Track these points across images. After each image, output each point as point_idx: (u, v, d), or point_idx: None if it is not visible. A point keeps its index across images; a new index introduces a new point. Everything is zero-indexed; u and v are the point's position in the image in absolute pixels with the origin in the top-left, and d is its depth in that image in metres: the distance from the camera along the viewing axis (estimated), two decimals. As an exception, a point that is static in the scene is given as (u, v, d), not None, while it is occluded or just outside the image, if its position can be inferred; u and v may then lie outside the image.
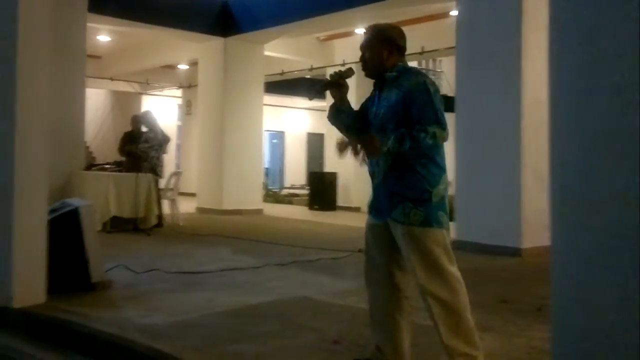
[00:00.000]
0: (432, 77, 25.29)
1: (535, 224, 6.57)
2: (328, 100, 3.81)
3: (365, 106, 3.06)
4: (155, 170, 9.05)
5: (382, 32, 3.00)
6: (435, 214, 2.82)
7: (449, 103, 13.09)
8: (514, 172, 6.92)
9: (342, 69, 3.03)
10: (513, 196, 6.90)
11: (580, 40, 1.49)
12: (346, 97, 3.03)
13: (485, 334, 3.73)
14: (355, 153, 2.92)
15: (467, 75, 7.49)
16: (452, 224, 7.99)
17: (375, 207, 3.00)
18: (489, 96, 7.19)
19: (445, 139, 2.82)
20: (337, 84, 2.99)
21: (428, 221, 2.80)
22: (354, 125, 3.02)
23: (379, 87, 3.00)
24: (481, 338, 3.63)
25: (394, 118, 2.83)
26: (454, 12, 8.50)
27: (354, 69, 3.06)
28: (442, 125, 2.78)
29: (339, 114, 3.03)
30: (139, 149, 8.92)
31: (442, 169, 2.89)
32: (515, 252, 6.76)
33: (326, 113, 3.16)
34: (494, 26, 7.22)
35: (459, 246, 7.26)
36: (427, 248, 2.81)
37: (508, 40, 7.05)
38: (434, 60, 24.00)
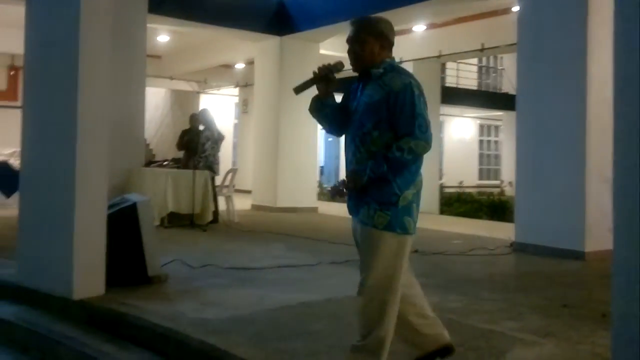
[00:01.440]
0: (493, 75, 24.42)
1: (599, 227, 6.32)
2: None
3: (346, 99, 2.97)
4: (212, 167, 9.18)
5: (374, 26, 2.90)
6: (401, 219, 2.76)
7: (510, 102, 12.84)
8: (578, 174, 6.69)
9: (332, 62, 2.91)
10: (577, 198, 6.67)
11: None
12: (332, 92, 2.94)
13: (545, 339, 3.61)
14: (343, 194, 2.93)
15: (529, 73, 7.27)
16: (512, 225, 7.84)
17: (349, 206, 2.94)
18: (553, 95, 6.96)
19: (426, 148, 2.77)
20: (326, 78, 2.89)
21: (391, 226, 2.74)
22: (335, 121, 2.96)
23: (363, 81, 2.90)
24: (541, 344, 3.53)
25: (373, 117, 2.76)
26: (516, 8, 8.27)
27: (343, 63, 2.95)
28: (421, 136, 2.72)
29: (323, 108, 2.94)
30: (200, 144, 9.07)
31: (415, 174, 2.84)
32: (578, 256, 6.54)
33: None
34: (557, 22, 6.98)
35: (520, 248, 7.09)
36: (380, 253, 2.75)
37: (573, 37, 6.80)
38: (495, 57, 23.60)
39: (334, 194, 3.21)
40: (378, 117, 2.75)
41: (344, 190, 2.92)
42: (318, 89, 2.92)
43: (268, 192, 11.52)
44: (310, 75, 2.92)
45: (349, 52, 2.91)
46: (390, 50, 2.92)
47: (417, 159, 2.80)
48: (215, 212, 9.13)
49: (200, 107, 15.70)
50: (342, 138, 3.00)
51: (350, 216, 2.97)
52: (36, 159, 4.69)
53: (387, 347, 2.78)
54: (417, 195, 2.88)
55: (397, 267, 2.78)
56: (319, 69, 2.88)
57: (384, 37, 2.88)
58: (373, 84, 2.81)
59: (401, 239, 2.78)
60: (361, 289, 2.79)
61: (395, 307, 2.81)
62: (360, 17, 2.96)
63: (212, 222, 8.91)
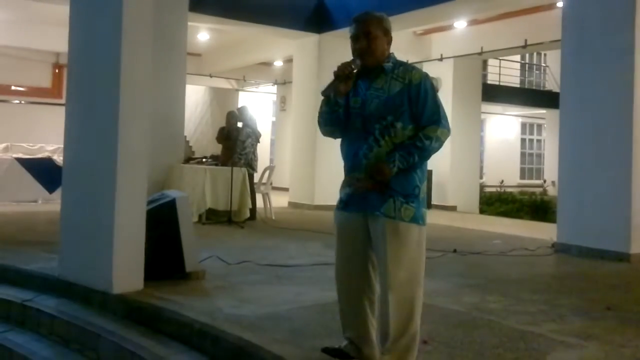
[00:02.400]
0: (536, 72, 23.99)
1: (646, 228, 6.16)
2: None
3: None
4: (252, 164, 9.25)
5: (382, 22, 2.93)
6: (422, 211, 2.85)
7: (553, 99, 12.50)
8: (624, 173, 6.53)
9: (348, 60, 2.88)
10: (622, 198, 6.51)
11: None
12: (348, 91, 2.91)
13: (587, 342, 3.53)
14: (367, 186, 2.83)
15: (574, 70, 7.10)
16: (554, 226, 7.69)
17: (355, 201, 2.91)
18: (598, 92, 6.79)
19: (447, 136, 2.83)
20: (348, 77, 2.85)
21: (416, 218, 2.81)
22: (342, 121, 2.96)
23: (367, 76, 2.90)
24: (583, 346, 3.43)
25: (394, 109, 2.79)
26: (560, 3, 8.09)
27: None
28: (446, 124, 2.82)
29: (338, 108, 2.92)
30: (239, 141, 9.14)
31: (426, 166, 2.93)
32: (623, 257, 6.39)
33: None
34: (603, 17, 6.80)
35: (562, 249, 6.93)
36: (408, 245, 2.79)
37: (619, 33, 6.63)
38: (538, 54, 23.14)
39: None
40: (400, 109, 2.79)
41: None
42: (338, 89, 2.87)
43: (305, 189, 11.54)
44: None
45: (357, 49, 2.89)
46: (390, 47, 2.98)
47: (440, 148, 2.86)
48: (253, 209, 9.18)
49: (239, 105, 15.85)
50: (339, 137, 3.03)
51: (349, 212, 2.94)
52: (78, 156, 4.78)
53: (418, 342, 2.85)
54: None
55: (423, 259, 2.87)
56: (340, 67, 2.86)
57: (389, 34, 2.96)
58: (385, 78, 2.86)
59: (423, 230, 2.86)
60: (391, 286, 2.78)
61: (422, 300, 2.87)
62: (365, 13, 2.94)
63: (249, 219, 8.97)
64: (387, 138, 2.80)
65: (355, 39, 2.91)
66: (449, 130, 2.83)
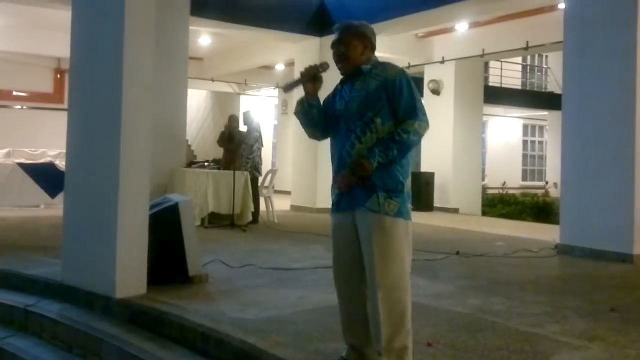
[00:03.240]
0: (538, 74, 23.93)
1: (649, 229, 6.14)
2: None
3: (327, 102, 3.09)
4: (258, 168, 9.28)
5: (357, 29, 3.03)
6: (406, 206, 2.87)
7: (555, 101, 12.47)
8: (627, 174, 6.51)
9: (318, 62, 3.05)
10: (625, 199, 6.49)
11: None
12: (318, 92, 3.06)
13: (592, 343, 3.51)
14: (349, 187, 2.89)
15: (576, 72, 7.09)
16: (557, 228, 7.68)
17: (344, 200, 2.95)
18: (600, 94, 6.78)
19: (427, 130, 2.89)
20: (314, 77, 3.02)
21: (401, 212, 2.84)
22: (321, 122, 3.08)
23: (350, 80, 3.01)
24: (587, 348, 3.42)
25: (373, 106, 2.87)
26: (562, 5, 8.08)
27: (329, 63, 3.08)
28: (423, 118, 2.86)
29: (311, 110, 3.06)
30: (247, 145, 9.16)
31: (410, 164, 2.96)
32: (626, 259, 6.37)
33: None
34: (605, 19, 6.79)
35: (565, 251, 6.92)
36: (394, 241, 2.81)
37: (621, 34, 6.62)
38: (540, 56, 23.11)
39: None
40: (379, 105, 2.87)
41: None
42: (306, 88, 3.04)
43: (307, 193, 11.54)
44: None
45: (335, 55, 3.04)
46: (373, 52, 3.06)
47: (420, 142, 2.91)
48: (256, 213, 9.19)
49: (241, 109, 15.86)
50: (329, 140, 3.11)
51: (340, 213, 2.96)
52: (80, 161, 4.78)
53: (412, 338, 2.86)
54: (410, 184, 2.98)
55: (409, 253, 2.88)
56: (307, 69, 3.03)
57: (367, 39, 3.03)
58: (365, 79, 2.96)
59: (409, 225, 2.88)
60: (379, 284, 2.78)
61: (410, 295, 2.87)
62: (343, 22, 3.09)
63: (252, 222, 8.97)
64: (369, 135, 2.87)
65: (332, 46, 3.07)
66: (427, 123, 2.88)
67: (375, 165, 2.80)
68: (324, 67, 3.04)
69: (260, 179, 9.64)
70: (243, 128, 9.70)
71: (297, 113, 3.11)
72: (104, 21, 4.58)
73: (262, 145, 9.52)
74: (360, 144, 2.87)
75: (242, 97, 18.98)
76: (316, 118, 3.07)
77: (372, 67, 2.98)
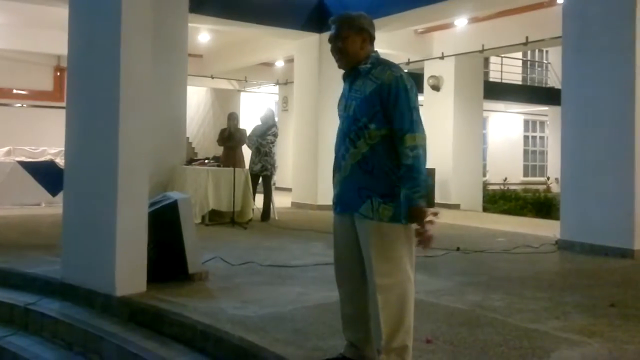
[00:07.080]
0: (538, 69, 23.90)
1: (649, 224, 6.13)
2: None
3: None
4: (274, 165, 9.36)
5: (354, 21, 2.94)
6: (403, 210, 2.75)
7: (556, 96, 12.51)
8: (627, 169, 6.50)
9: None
10: (625, 195, 6.48)
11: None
12: None
13: (591, 339, 3.52)
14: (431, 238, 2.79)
15: (575, 67, 7.08)
16: (558, 223, 7.66)
17: (341, 202, 2.93)
18: (599, 89, 6.76)
19: (425, 139, 2.77)
20: None
21: (397, 217, 2.74)
22: None
23: (350, 80, 2.93)
24: (587, 343, 3.42)
25: (368, 111, 2.78)
26: (561, 0, 8.06)
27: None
28: (419, 129, 2.74)
29: None
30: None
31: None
32: (626, 254, 6.37)
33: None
34: (604, 14, 6.78)
35: (566, 246, 6.92)
36: (392, 245, 2.75)
37: (620, 29, 6.61)
38: (540, 51, 23.07)
39: None
40: (373, 110, 2.78)
41: None
42: None
43: (308, 190, 11.54)
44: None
45: (333, 50, 2.95)
46: (373, 44, 2.96)
47: (426, 150, 2.80)
48: (268, 210, 9.29)
49: (241, 106, 15.83)
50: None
51: (339, 213, 2.95)
52: (79, 158, 4.78)
53: (412, 338, 2.82)
54: None
55: (409, 257, 2.81)
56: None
57: (365, 31, 2.93)
58: (363, 79, 2.86)
59: (409, 228, 2.79)
60: (378, 286, 2.76)
61: (413, 296, 2.82)
62: (339, 14, 3.00)
63: (263, 220, 9.09)
64: (362, 140, 2.80)
65: (329, 40, 2.99)
66: (423, 132, 2.76)
67: (423, 203, 2.71)
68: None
69: (274, 178, 9.71)
70: (264, 125, 9.55)
71: None
72: (101, 18, 4.57)
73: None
74: (354, 149, 2.82)
75: (242, 93, 18.96)
76: None
77: (371, 67, 2.87)
